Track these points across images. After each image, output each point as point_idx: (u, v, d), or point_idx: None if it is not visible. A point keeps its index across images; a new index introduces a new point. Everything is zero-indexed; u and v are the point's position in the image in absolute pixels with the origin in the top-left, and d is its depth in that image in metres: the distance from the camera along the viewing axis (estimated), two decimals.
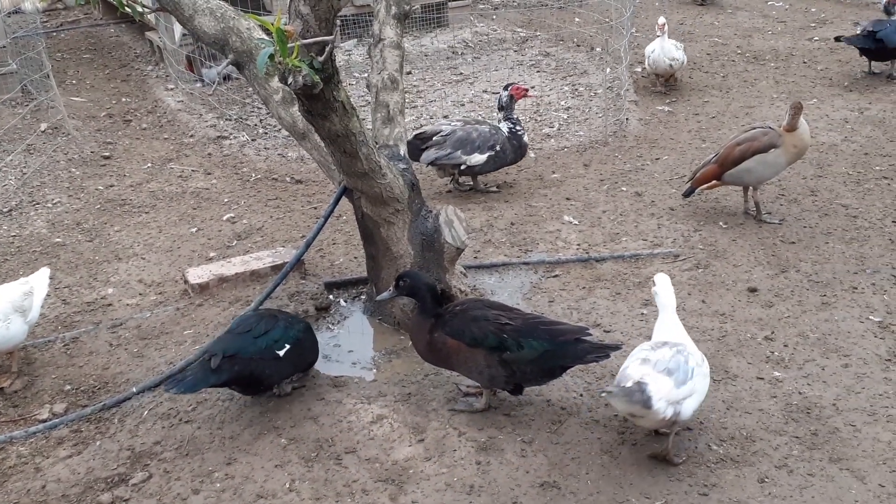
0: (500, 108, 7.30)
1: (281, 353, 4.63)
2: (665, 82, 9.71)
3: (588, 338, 4.45)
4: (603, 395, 4.07)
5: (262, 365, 4.57)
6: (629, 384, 3.99)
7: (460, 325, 4.49)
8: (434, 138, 7.15)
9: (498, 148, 7.14)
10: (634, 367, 4.09)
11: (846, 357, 4.98)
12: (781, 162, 6.40)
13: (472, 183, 7.48)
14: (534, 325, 4.44)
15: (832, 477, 4.12)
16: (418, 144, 7.11)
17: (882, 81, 9.46)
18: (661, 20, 9.38)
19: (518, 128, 7.24)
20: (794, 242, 6.27)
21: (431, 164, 7.19)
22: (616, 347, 4.47)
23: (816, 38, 11.12)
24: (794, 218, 6.62)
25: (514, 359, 4.39)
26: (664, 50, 9.31)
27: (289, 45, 3.63)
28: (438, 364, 4.70)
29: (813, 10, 12.48)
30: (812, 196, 6.97)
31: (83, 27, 13.16)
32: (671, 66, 9.38)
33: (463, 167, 7.16)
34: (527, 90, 7.36)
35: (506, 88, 7.27)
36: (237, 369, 4.49)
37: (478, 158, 7.09)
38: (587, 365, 4.73)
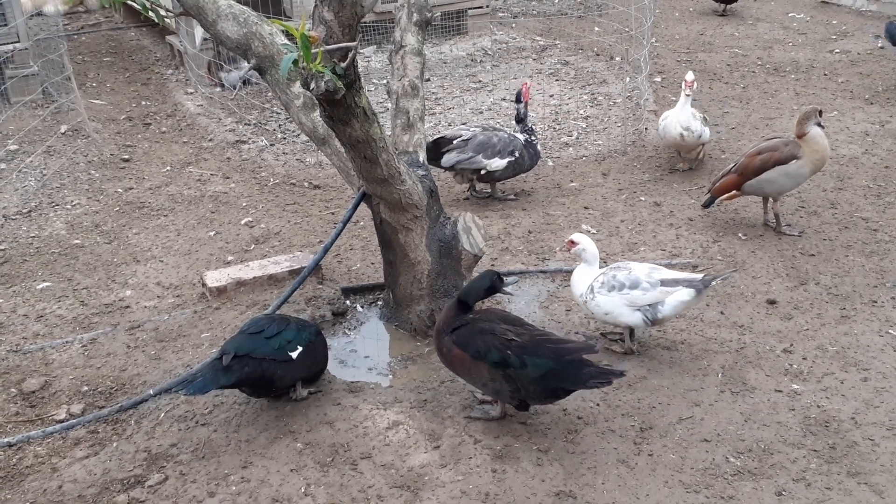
0: (518, 121, 7.32)
1: (294, 354, 4.63)
2: (688, 158, 7.89)
3: (593, 355, 4.41)
4: None
5: (274, 366, 4.57)
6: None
7: (467, 335, 4.46)
8: (455, 142, 7.17)
9: (517, 154, 7.16)
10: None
11: (865, 371, 4.95)
12: (804, 173, 6.38)
13: (489, 190, 7.48)
14: (540, 343, 4.37)
15: (850, 491, 4.09)
16: (438, 149, 7.12)
17: None
18: (690, 76, 7.48)
19: (533, 137, 7.28)
20: (813, 255, 6.23)
21: (452, 167, 7.20)
22: (619, 374, 4.42)
23: (837, 51, 11.07)
24: (813, 230, 6.59)
25: (517, 375, 4.35)
26: (679, 117, 7.46)
27: (312, 51, 3.64)
28: (449, 368, 4.70)
29: (834, 22, 12.43)
30: (832, 209, 6.94)
31: (104, 30, 13.24)
32: (682, 136, 7.46)
33: (483, 172, 7.16)
34: (529, 87, 7.40)
35: (518, 100, 7.31)
36: (248, 370, 4.49)
37: (498, 163, 7.10)
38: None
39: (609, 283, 5.02)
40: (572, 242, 5.18)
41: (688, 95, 7.35)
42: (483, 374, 4.42)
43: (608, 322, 5.15)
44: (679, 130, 7.44)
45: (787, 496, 4.07)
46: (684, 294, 4.96)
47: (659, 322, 5.05)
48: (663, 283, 4.97)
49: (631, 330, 5.16)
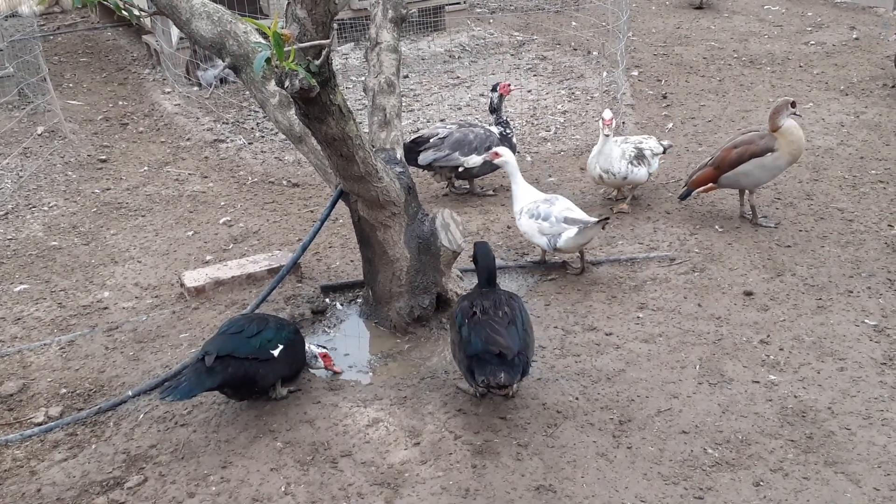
0: (493, 111, 7.33)
1: (275, 352, 4.62)
2: (622, 194, 7.15)
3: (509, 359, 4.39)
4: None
5: (256, 365, 4.56)
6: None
7: (462, 301, 4.77)
8: (431, 140, 7.17)
9: None
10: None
11: (842, 361, 4.99)
12: (780, 165, 6.41)
13: (468, 186, 7.49)
14: (483, 325, 4.47)
15: (827, 480, 4.13)
16: (415, 148, 7.13)
17: (878, 86, 9.48)
18: (608, 114, 6.71)
19: (508, 130, 7.31)
20: (789, 246, 6.27)
21: (429, 166, 7.21)
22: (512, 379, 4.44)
23: (812, 42, 11.14)
24: (789, 221, 6.63)
25: (462, 345, 4.54)
26: (599, 159, 6.78)
27: (285, 49, 3.63)
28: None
29: (809, 14, 12.50)
30: (808, 200, 6.98)
31: (80, 31, 13.16)
32: (602, 178, 6.83)
33: (461, 169, 7.18)
34: (508, 84, 7.41)
35: (494, 90, 7.31)
36: (231, 370, 4.48)
37: (475, 160, 7.11)
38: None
39: (532, 211, 5.96)
40: (496, 154, 6.16)
41: (606, 135, 6.66)
42: (452, 335, 4.72)
43: (526, 238, 6.13)
44: (598, 171, 6.81)
45: (765, 486, 4.10)
46: (572, 231, 5.80)
47: (559, 250, 5.93)
48: (566, 220, 5.84)
49: (582, 253, 6.04)
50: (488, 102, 7.45)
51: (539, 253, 6.22)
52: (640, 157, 6.78)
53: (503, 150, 6.18)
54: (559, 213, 5.86)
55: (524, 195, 6.07)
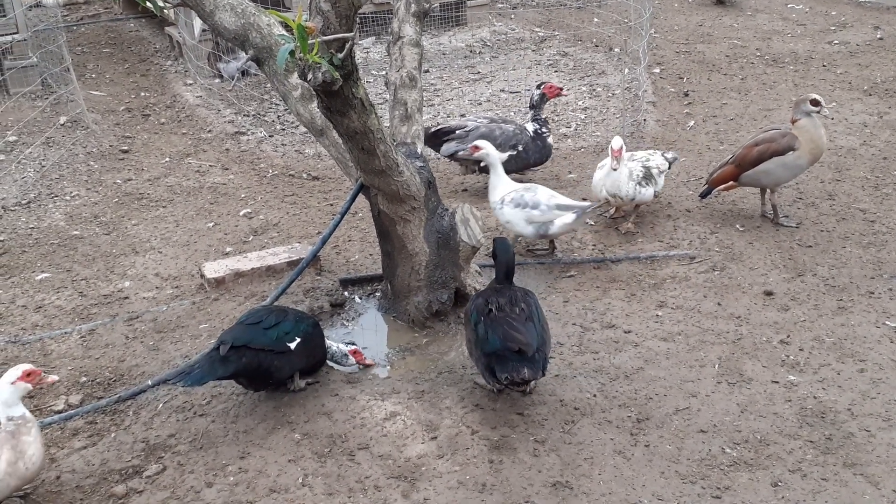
0: (532, 107, 7.31)
1: (292, 345, 4.64)
2: (627, 212, 6.75)
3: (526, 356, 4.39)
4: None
5: (272, 357, 4.57)
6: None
7: (477, 298, 4.75)
8: (457, 132, 7.18)
9: (520, 148, 7.16)
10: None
11: (862, 362, 4.96)
12: (801, 164, 6.37)
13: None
14: (500, 322, 4.47)
15: (846, 482, 4.11)
16: (440, 137, 7.13)
17: None
18: (616, 143, 6.31)
19: (544, 129, 7.25)
20: (811, 246, 6.24)
21: (451, 156, 7.22)
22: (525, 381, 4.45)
23: (836, 42, 11.06)
24: (811, 222, 6.60)
25: (480, 344, 4.52)
26: (606, 182, 6.42)
27: (309, 42, 3.64)
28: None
29: (833, 13, 12.41)
30: (830, 200, 6.94)
31: (103, 21, 13.22)
32: (608, 200, 6.54)
33: (482, 163, 7.17)
34: (560, 89, 7.38)
35: (538, 87, 7.28)
36: (245, 360, 4.50)
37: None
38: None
39: (516, 200, 6.04)
40: (476, 147, 6.27)
41: (614, 169, 6.27)
42: (468, 334, 4.70)
43: (506, 229, 6.23)
44: (604, 194, 6.46)
45: (783, 487, 4.09)
46: (569, 217, 5.95)
47: (548, 236, 6.09)
48: (559, 207, 5.96)
49: (552, 240, 6.23)
50: (529, 98, 7.41)
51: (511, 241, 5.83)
52: (647, 176, 6.43)
53: (483, 143, 6.30)
54: (548, 201, 5.97)
55: (503, 186, 6.18)
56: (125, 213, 7.24)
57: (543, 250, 6.29)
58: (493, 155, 6.24)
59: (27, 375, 4.09)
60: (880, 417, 4.51)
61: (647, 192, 6.41)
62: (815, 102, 6.28)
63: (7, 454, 3.93)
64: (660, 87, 9.78)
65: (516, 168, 7.22)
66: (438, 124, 7.53)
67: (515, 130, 7.19)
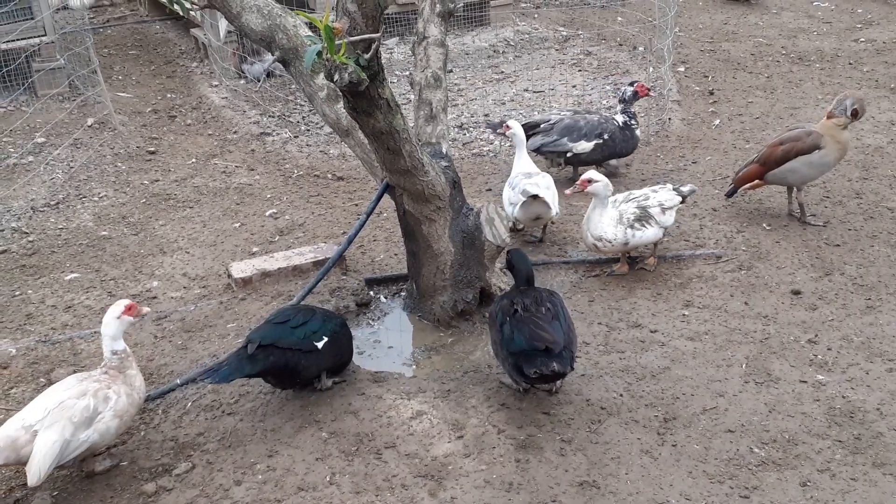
0: (622, 101, 7.32)
1: (319, 345, 4.66)
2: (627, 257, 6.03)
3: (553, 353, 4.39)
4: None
5: (299, 356, 4.60)
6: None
7: (501, 299, 4.77)
8: (541, 126, 7.22)
9: (606, 137, 7.16)
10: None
11: (891, 361, 4.93)
12: (828, 162, 6.34)
13: (571, 177, 7.39)
14: (526, 322, 4.47)
15: (875, 482, 4.08)
16: (526, 133, 7.13)
17: None
18: (590, 175, 5.71)
19: (633, 122, 7.28)
20: (838, 245, 6.20)
21: (537, 150, 7.26)
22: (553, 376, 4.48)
23: (862, 40, 10.97)
24: (838, 220, 6.55)
25: (506, 344, 4.52)
26: (589, 224, 5.77)
27: (336, 42, 3.66)
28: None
29: (859, 10, 12.32)
30: (857, 198, 6.89)
31: (129, 23, 13.33)
32: (596, 246, 5.83)
33: (569, 154, 7.18)
34: (649, 89, 7.46)
35: (631, 84, 7.37)
36: (273, 359, 4.54)
37: (584, 146, 7.12)
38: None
39: (511, 181, 6.21)
40: (507, 126, 6.48)
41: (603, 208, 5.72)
42: (493, 334, 4.71)
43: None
44: (591, 241, 5.79)
45: (812, 487, 4.07)
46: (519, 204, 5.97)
47: (517, 219, 6.11)
48: (523, 192, 5.91)
49: (544, 226, 6.43)
50: (620, 93, 7.45)
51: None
52: (643, 217, 5.72)
53: (513, 123, 6.49)
54: (524, 186, 5.98)
55: (517, 168, 6.34)
56: (153, 213, 7.30)
57: (534, 238, 6.46)
58: (520, 136, 6.40)
59: (129, 309, 4.35)
60: None
61: (647, 234, 5.73)
62: (855, 114, 6.21)
63: (125, 388, 4.23)
64: (685, 85, 9.74)
65: (602, 156, 7.22)
66: (523, 119, 7.55)
67: (600, 120, 7.21)
